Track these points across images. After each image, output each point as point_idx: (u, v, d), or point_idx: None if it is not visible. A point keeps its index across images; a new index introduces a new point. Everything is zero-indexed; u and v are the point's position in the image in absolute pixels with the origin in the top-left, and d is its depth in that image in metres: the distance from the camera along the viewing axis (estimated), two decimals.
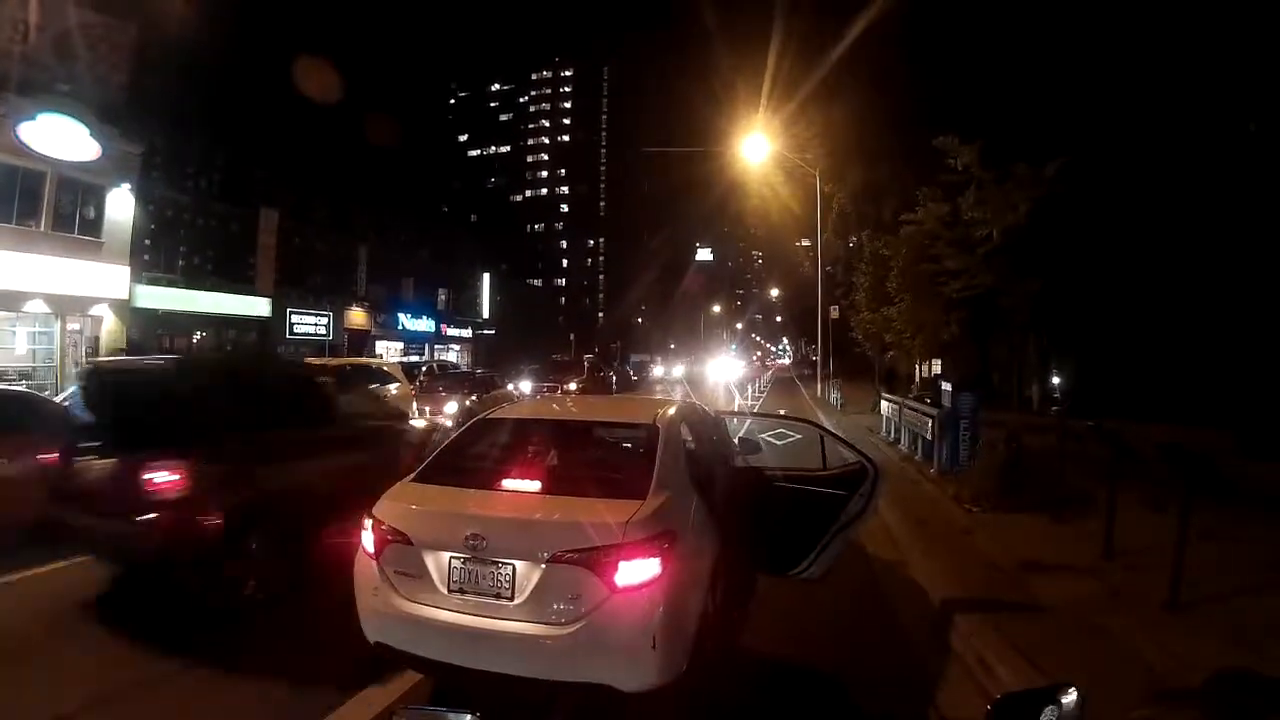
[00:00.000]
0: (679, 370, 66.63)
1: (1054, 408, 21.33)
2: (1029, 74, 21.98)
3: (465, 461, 5.88)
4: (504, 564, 4.58)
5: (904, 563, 8.82)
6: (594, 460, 6.27)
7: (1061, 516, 9.93)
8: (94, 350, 27.54)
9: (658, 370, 49.85)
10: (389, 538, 4.89)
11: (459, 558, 4.67)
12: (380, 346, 47.15)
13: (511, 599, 4.54)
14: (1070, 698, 2.03)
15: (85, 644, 6.23)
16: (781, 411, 30.26)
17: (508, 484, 5.28)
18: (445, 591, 4.68)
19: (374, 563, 4.93)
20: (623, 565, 4.41)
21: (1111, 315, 21.74)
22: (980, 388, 15.35)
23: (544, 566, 4.50)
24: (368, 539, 5.00)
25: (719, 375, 57.71)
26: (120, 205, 28.03)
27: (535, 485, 5.22)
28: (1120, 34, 20.17)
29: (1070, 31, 21.33)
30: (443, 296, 58.12)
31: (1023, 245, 21.19)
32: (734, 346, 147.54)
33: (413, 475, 5.64)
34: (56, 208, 25.58)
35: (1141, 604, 6.68)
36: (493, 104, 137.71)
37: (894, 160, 28.84)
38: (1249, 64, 17.63)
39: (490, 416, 6.75)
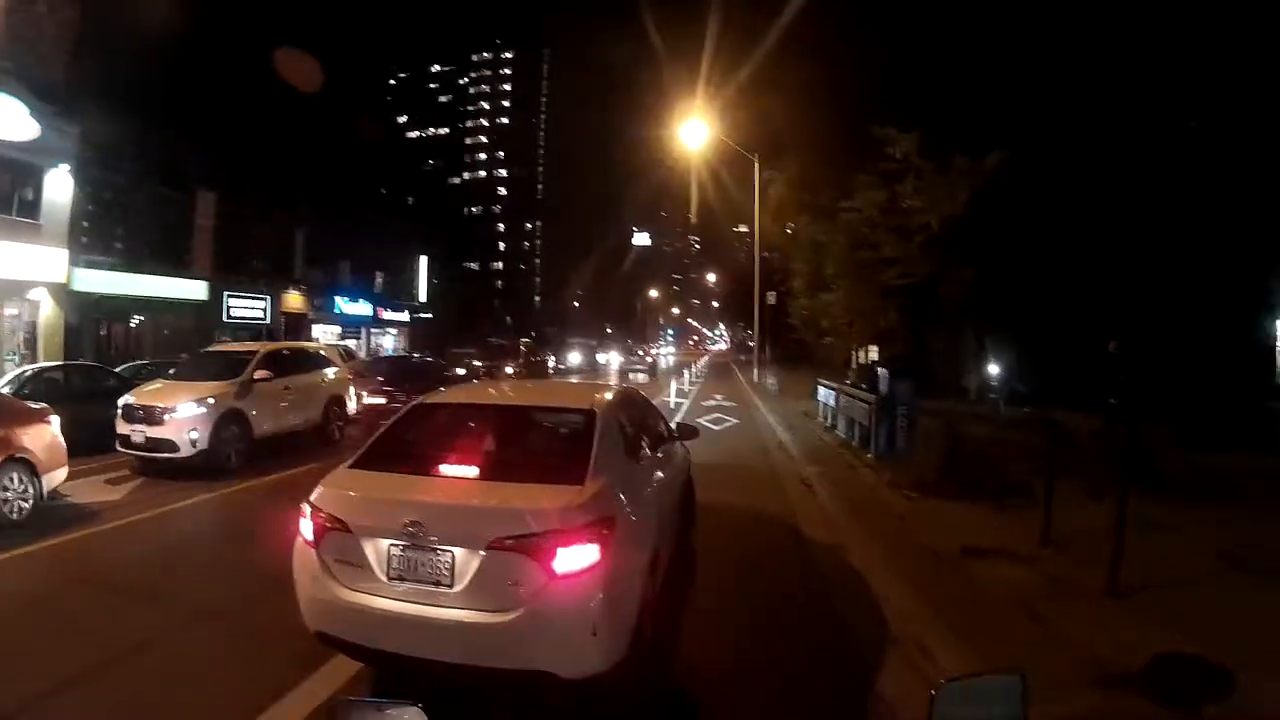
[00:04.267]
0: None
1: (991, 396, 21.60)
2: (968, 66, 22.14)
3: (403, 447, 5.83)
4: (443, 551, 4.51)
5: (842, 548, 8.81)
6: (532, 445, 6.31)
7: (1001, 504, 10.00)
8: (31, 335, 26.92)
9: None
10: (327, 525, 4.81)
11: (398, 545, 4.59)
12: (317, 330, 46.62)
13: (451, 586, 4.48)
14: (1013, 683, 2.00)
15: None
16: (718, 398, 30.35)
17: (446, 470, 5.21)
18: (385, 579, 4.61)
19: (313, 551, 4.85)
20: (561, 552, 4.37)
21: (1048, 306, 22.01)
22: (918, 375, 15.44)
23: (483, 553, 4.44)
24: (306, 527, 4.92)
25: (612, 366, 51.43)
26: (58, 187, 27.26)
27: (473, 471, 5.17)
28: (1062, 30, 20.36)
29: (1010, 28, 21.49)
30: (380, 280, 57.55)
31: (961, 235, 21.39)
32: (671, 331, 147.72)
33: (350, 461, 5.55)
34: None
35: (1081, 590, 6.76)
36: (432, 85, 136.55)
37: (832, 148, 28.94)
38: (1193, 63, 17.88)
39: (428, 401, 6.71)
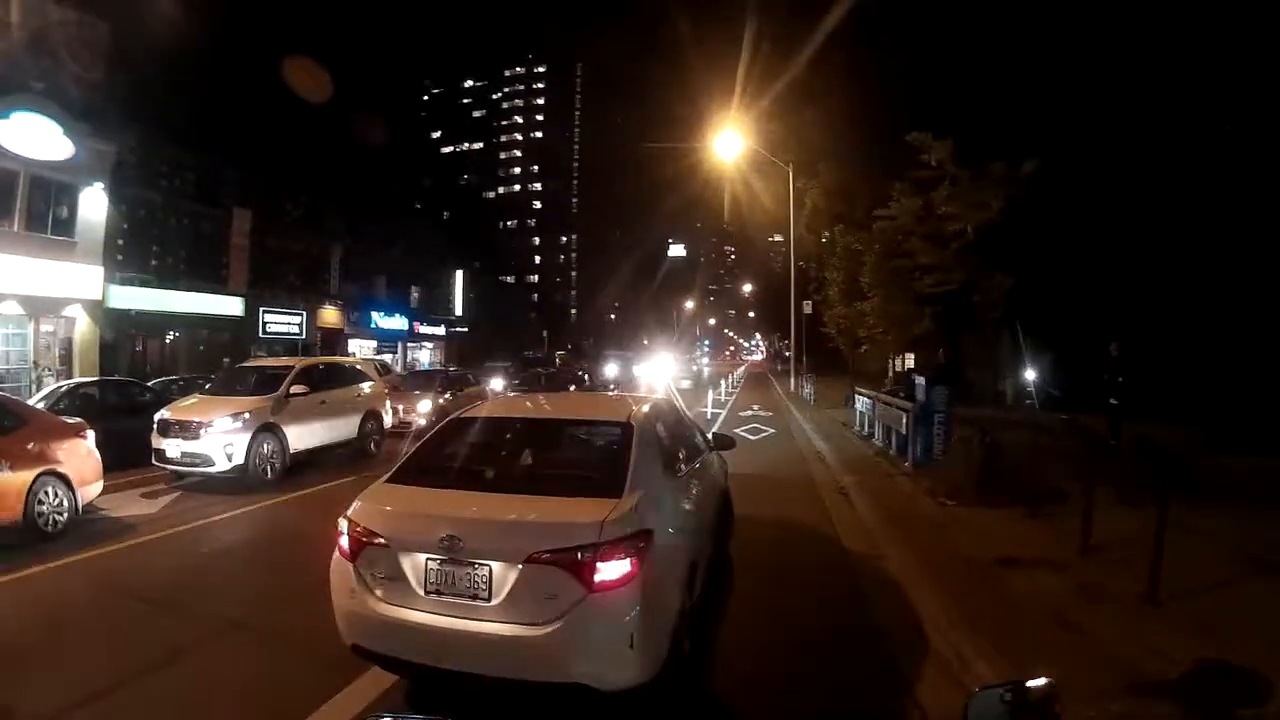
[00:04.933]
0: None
1: (1027, 402, 21.43)
2: (1001, 73, 22.01)
3: (440, 461, 5.87)
4: (480, 565, 4.55)
5: (879, 556, 8.80)
6: (569, 458, 6.34)
7: (1036, 511, 9.94)
8: (67, 351, 27.32)
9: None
10: (364, 540, 4.86)
11: (435, 559, 4.64)
12: (353, 345, 46.89)
13: (489, 600, 4.52)
14: (1046, 690, 2.03)
15: None
16: (755, 408, 30.29)
17: (483, 484, 5.29)
18: (422, 593, 4.65)
19: (350, 565, 4.91)
20: (599, 565, 4.39)
21: (1083, 312, 21.80)
22: (954, 382, 15.38)
23: (520, 567, 4.47)
24: (343, 541, 4.98)
25: (653, 378, 50.50)
26: (93, 205, 27.63)
27: (511, 485, 5.26)
28: (1093, 35, 20.20)
29: (1042, 33, 21.35)
30: (415, 294, 57.75)
31: (997, 241, 21.28)
32: (706, 342, 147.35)
33: (387, 476, 5.60)
34: (29, 207, 25.14)
35: (1117, 598, 6.71)
36: (465, 101, 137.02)
37: (867, 157, 28.89)
38: (1229, 68, 17.68)
39: (464, 415, 6.73)
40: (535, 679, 4.46)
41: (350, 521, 4.99)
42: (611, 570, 4.41)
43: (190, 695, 5.39)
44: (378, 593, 4.78)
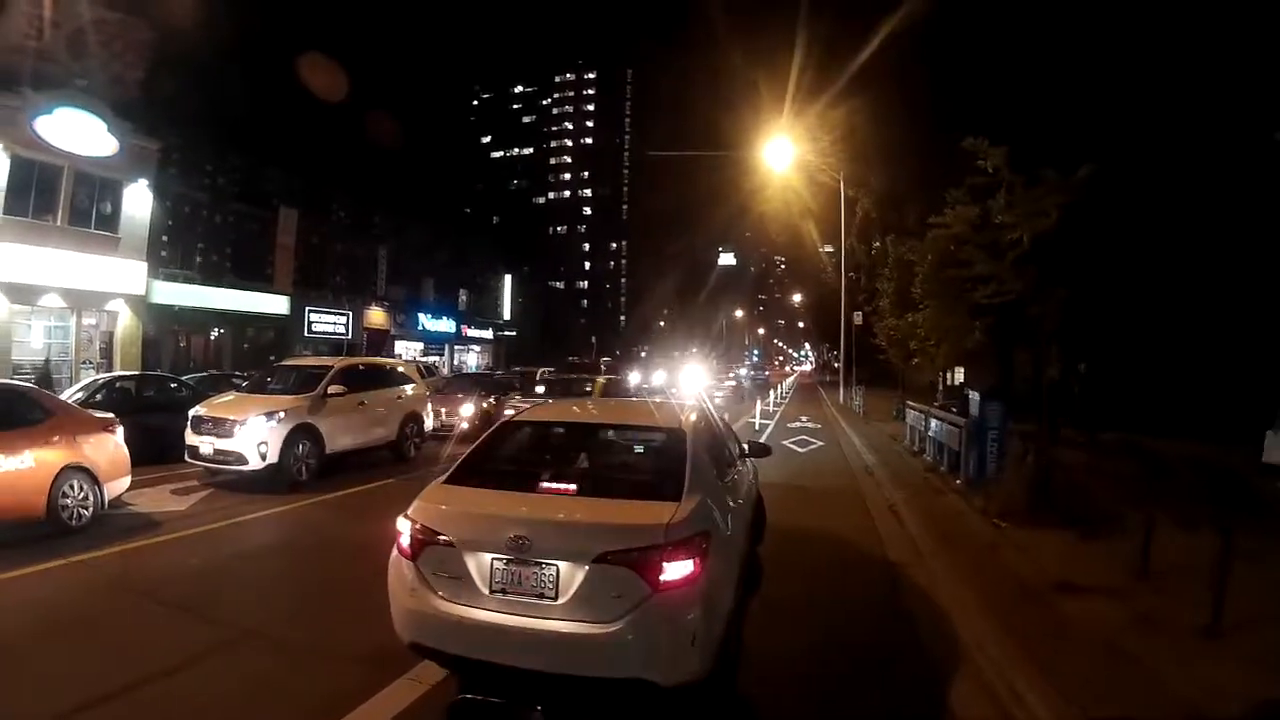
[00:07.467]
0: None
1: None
2: (1056, 80, 21.71)
3: (496, 463, 6.05)
4: (548, 565, 4.68)
5: (929, 580, 8.51)
6: (624, 463, 6.63)
7: (1091, 533, 9.65)
8: (108, 345, 27.72)
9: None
10: (427, 539, 4.97)
11: (502, 559, 4.76)
12: (400, 347, 47.27)
13: (555, 599, 4.64)
14: None
15: None
16: (803, 419, 30.01)
17: (545, 486, 5.39)
18: (487, 592, 4.76)
19: (411, 564, 5.00)
20: (665, 565, 4.55)
21: (1139, 327, 21.40)
22: (1006, 398, 15.02)
23: (588, 567, 4.61)
24: (404, 540, 5.07)
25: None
26: (137, 201, 28.12)
27: (572, 487, 5.36)
28: (1143, 43, 19.88)
29: (1097, 41, 21.04)
30: (463, 297, 58.08)
31: (1053, 252, 20.91)
32: (756, 351, 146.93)
33: (445, 477, 5.72)
34: (73, 202, 25.66)
35: (1176, 629, 6.47)
36: (516, 106, 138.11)
37: (919, 164, 28.52)
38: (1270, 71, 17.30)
39: (516, 419, 6.94)
40: (600, 675, 4.59)
41: (412, 521, 5.07)
42: (676, 570, 4.56)
43: (193, 705, 5.26)
44: (440, 591, 4.87)
